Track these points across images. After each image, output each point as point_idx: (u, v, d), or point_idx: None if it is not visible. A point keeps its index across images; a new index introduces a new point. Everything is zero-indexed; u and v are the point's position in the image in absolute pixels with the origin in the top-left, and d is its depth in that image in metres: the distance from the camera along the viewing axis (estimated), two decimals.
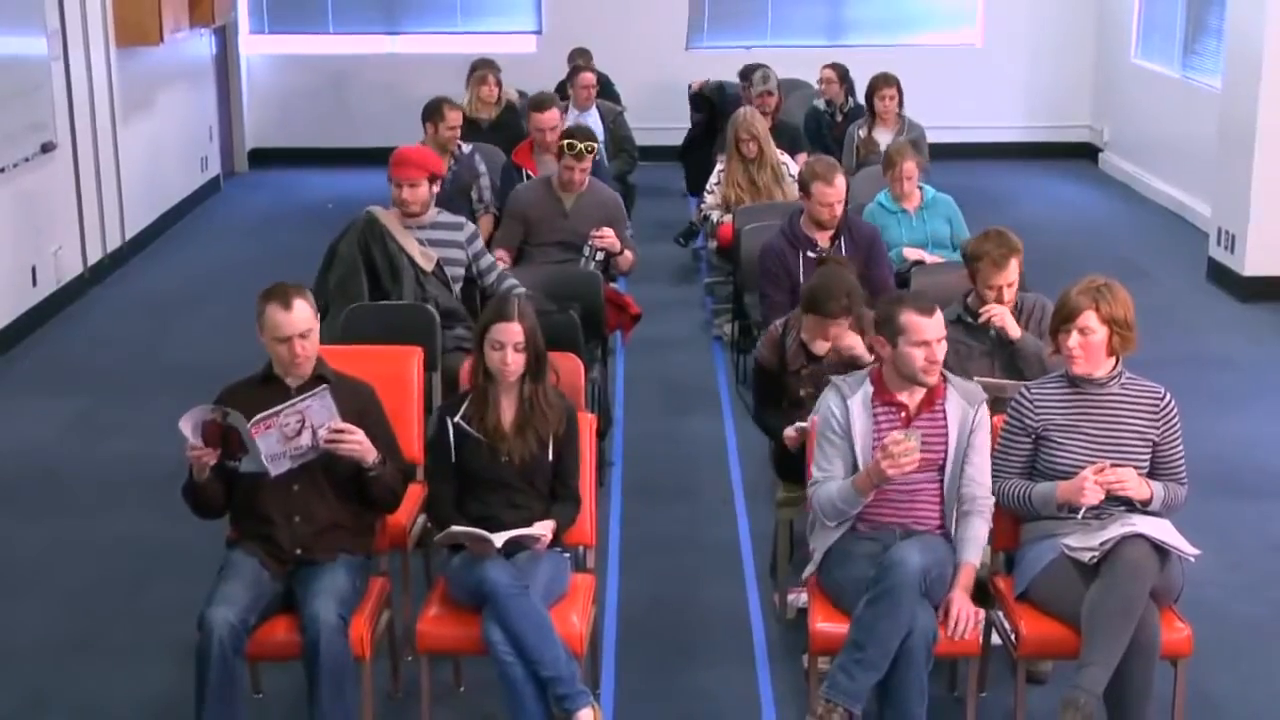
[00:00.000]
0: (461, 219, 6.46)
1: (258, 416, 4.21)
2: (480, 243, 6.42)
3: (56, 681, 5.01)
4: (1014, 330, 5.25)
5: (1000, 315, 5.25)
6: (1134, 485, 4.41)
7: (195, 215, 12.14)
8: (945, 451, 4.47)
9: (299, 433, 4.29)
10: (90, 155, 9.91)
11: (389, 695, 4.80)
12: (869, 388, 4.53)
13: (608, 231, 7.08)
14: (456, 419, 4.55)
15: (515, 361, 4.48)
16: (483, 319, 4.59)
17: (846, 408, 4.50)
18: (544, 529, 4.43)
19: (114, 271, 10.22)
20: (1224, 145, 9.59)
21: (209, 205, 12.55)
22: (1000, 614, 4.54)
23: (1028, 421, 4.55)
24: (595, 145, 7.23)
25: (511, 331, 4.47)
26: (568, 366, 5.24)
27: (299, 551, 4.39)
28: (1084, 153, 13.88)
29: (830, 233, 6.54)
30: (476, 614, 4.31)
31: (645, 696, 4.87)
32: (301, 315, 4.38)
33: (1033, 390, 4.59)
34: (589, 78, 10.31)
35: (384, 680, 4.78)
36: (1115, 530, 4.30)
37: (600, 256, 7.06)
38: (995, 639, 4.60)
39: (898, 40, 13.80)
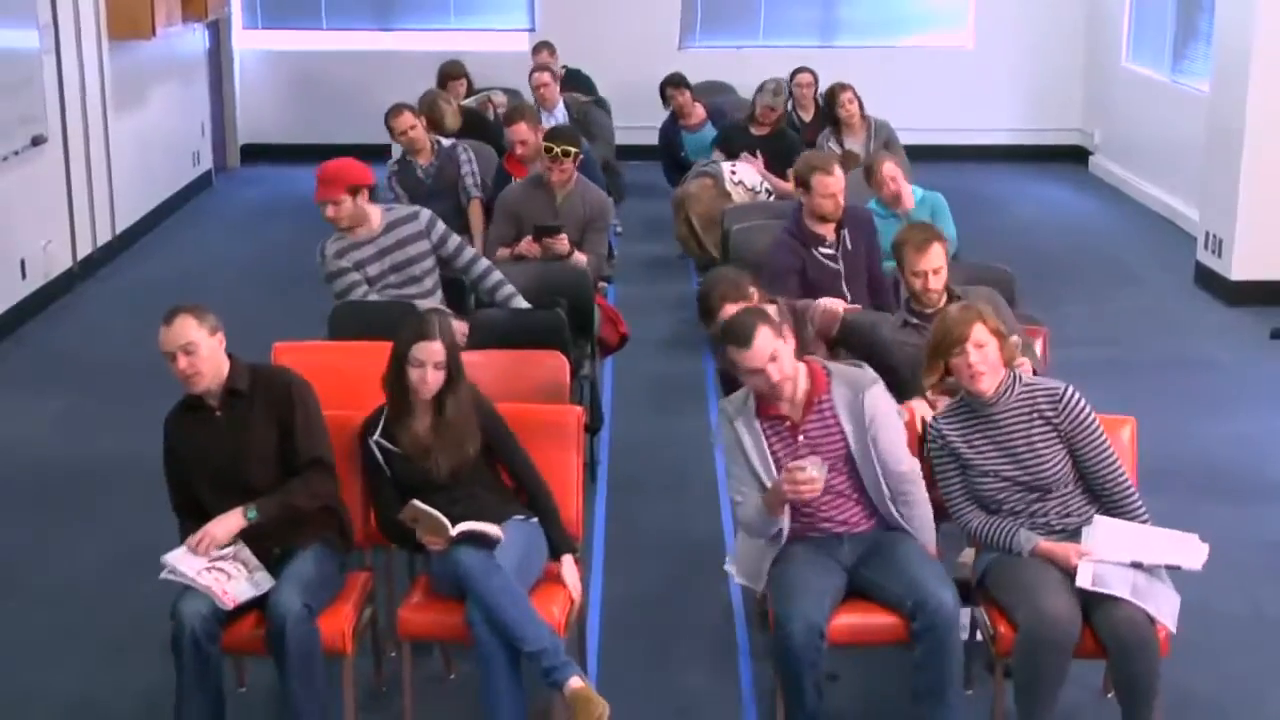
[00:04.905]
0: (416, 208, 6.34)
1: (209, 584, 4.26)
2: (442, 225, 6.27)
3: (44, 677, 5.03)
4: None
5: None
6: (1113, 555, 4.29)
7: (186, 210, 12.14)
8: (845, 446, 4.42)
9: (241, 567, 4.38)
10: (81, 149, 9.91)
11: (373, 690, 4.81)
12: (751, 404, 4.49)
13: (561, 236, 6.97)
14: (376, 438, 4.60)
15: (434, 379, 4.53)
16: (403, 337, 4.58)
17: (735, 430, 4.48)
18: (497, 531, 4.44)
19: (104, 266, 10.22)
20: (1211, 150, 9.62)
21: (200, 200, 12.54)
22: (981, 612, 4.55)
23: (948, 450, 4.50)
24: (574, 150, 7.12)
25: (432, 351, 4.52)
26: (552, 364, 5.26)
27: (277, 550, 4.46)
28: (1074, 156, 13.90)
29: (834, 225, 6.49)
30: (460, 603, 4.34)
31: (628, 693, 4.86)
32: (181, 329, 4.42)
33: (940, 423, 4.53)
34: (542, 77, 10.17)
35: (369, 677, 4.80)
36: (1092, 556, 4.27)
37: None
38: (978, 636, 4.62)
39: (889, 42, 13.84)
